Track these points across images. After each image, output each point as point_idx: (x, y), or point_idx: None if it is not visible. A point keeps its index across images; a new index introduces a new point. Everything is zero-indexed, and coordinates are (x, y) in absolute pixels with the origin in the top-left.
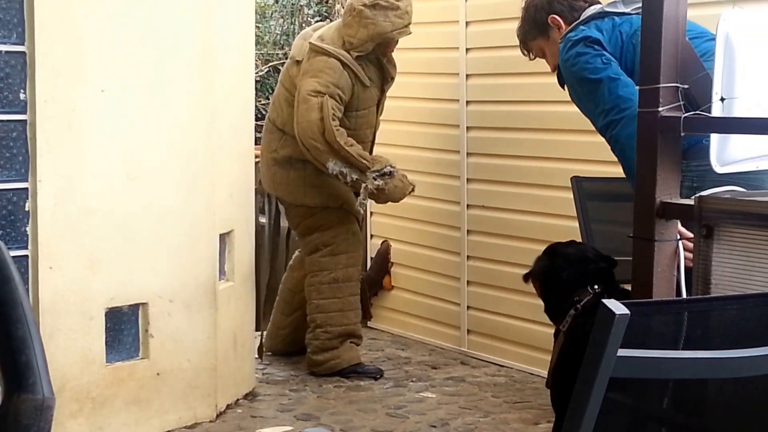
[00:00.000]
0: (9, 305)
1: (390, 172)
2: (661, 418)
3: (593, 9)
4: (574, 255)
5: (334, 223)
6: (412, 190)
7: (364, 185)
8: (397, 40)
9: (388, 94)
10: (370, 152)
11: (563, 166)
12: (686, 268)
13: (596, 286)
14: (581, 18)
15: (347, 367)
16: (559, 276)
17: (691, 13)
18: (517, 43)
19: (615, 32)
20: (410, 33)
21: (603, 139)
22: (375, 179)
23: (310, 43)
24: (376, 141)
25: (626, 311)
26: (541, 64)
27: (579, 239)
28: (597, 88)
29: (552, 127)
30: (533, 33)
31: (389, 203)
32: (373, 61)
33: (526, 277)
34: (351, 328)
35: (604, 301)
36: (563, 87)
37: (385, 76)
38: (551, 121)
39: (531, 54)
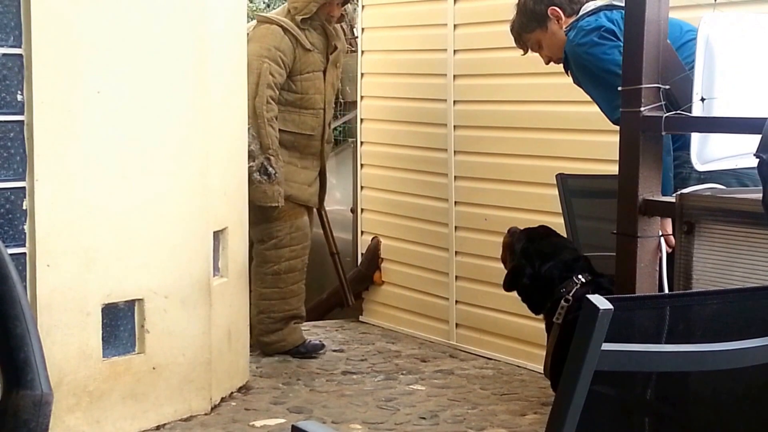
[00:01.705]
0: (7, 303)
1: (270, 174)
2: (645, 409)
3: (594, 3)
4: (548, 247)
5: (281, 216)
6: (275, 207)
7: (250, 163)
8: (340, 5)
9: (373, 94)
10: (324, 125)
11: (548, 164)
12: (668, 263)
13: (581, 276)
14: (587, 9)
15: (293, 348)
16: (540, 271)
17: (673, 16)
18: (504, 45)
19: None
20: None
21: (587, 138)
22: (258, 166)
23: (255, 15)
24: (370, 140)
25: (610, 306)
26: (527, 65)
27: (564, 234)
28: (615, 81)
29: (537, 125)
30: (531, 25)
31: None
32: (317, 27)
33: (507, 287)
34: (293, 312)
35: (589, 296)
36: (567, 72)
37: (327, 42)
38: (536, 120)
39: (527, 47)
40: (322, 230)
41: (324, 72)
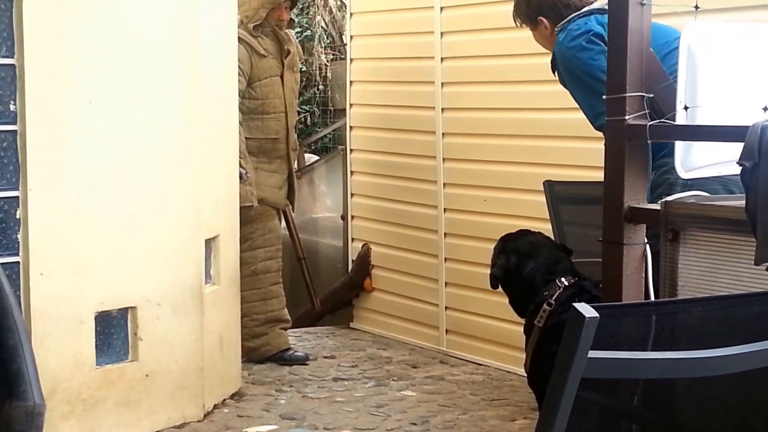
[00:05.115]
0: (0, 315)
1: (241, 174)
2: (632, 416)
3: (587, 8)
4: (530, 249)
5: (252, 219)
6: (249, 208)
7: None
8: (288, 9)
9: (362, 102)
10: (288, 128)
11: (536, 171)
12: (654, 271)
13: (563, 279)
14: (580, 12)
15: (277, 353)
16: (522, 273)
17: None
18: (491, 53)
19: None
20: None
21: (574, 144)
22: None
23: None
24: (360, 148)
25: (596, 314)
26: (515, 73)
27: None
28: (600, 87)
29: (525, 133)
30: (523, 19)
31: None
32: (269, 34)
33: (493, 284)
34: (276, 314)
35: (575, 305)
36: (554, 72)
37: (280, 47)
38: (524, 127)
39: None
40: (289, 234)
41: (281, 77)
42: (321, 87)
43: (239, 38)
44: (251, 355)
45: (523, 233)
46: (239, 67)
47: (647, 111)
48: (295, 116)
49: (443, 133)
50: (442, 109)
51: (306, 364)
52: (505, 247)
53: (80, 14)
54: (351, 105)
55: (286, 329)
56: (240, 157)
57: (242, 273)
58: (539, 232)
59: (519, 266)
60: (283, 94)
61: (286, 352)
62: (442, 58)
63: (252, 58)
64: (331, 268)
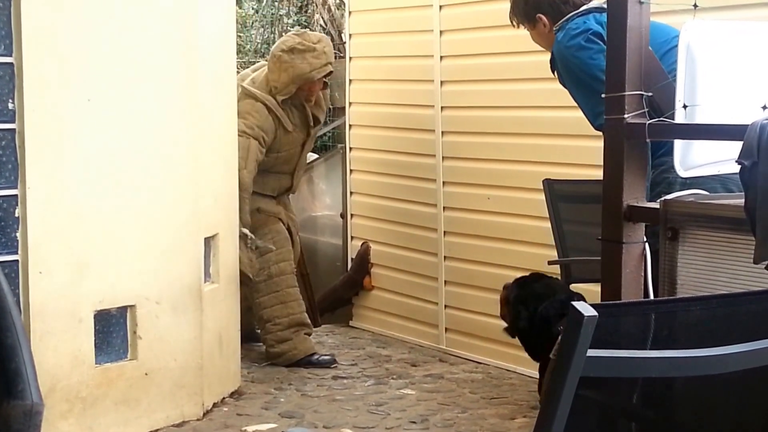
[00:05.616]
0: None
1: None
2: (631, 414)
3: (585, 7)
4: (542, 292)
5: (258, 225)
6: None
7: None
8: (322, 81)
9: (361, 100)
10: (292, 184)
11: (535, 169)
12: (653, 269)
13: None
14: (578, 10)
15: (304, 358)
16: (535, 315)
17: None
18: (490, 51)
19: None
20: (331, 71)
21: (574, 143)
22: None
23: (241, 86)
24: (359, 146)
25: (594, 313)
26: (514, 71)
27: (551, 239)
28: (599, 87)
29: (524, 131)
30: (521, 18)
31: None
32: (298, 105)
33: (511, 333)
34: (297, 317)
35: (574, 303)
36: (554, 72)
37: (307, 120)
38: (523, 125)
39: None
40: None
41: (302, 144)
42: None
43: (268, 108)
44: (277, 360)
45: (536, 278)
46: (263, 138)
47: (646, 110)
48: (296, 173)
49: (442, 132)
50: (442, 107)
51: (334, 367)
52: (525, 296)
53: (78, 12)
54: (350, 103)
55: (309, 334)
56: (247, 229)
57: (257, 279)
58: (537, 273)
59: (538, 313)
60: (297, 161)
61: (312, 356)
62: (441, 57)
63: (277, 131)
64: (330, 266)
